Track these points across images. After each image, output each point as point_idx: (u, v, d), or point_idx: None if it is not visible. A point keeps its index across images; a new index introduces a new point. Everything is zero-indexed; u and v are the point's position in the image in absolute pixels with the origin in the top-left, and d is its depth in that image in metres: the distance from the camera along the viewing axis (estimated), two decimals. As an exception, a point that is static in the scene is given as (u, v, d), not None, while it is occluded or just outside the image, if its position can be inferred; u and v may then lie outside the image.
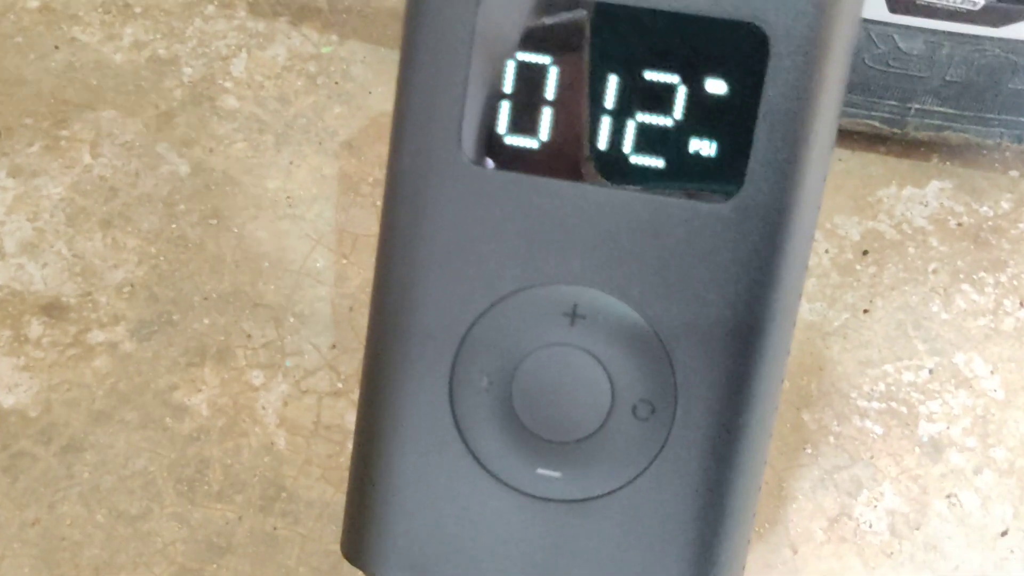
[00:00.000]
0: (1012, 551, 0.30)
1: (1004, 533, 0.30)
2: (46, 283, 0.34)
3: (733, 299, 0.21)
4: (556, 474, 0.22)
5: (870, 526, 0.30)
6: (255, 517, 0.30)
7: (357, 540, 0.24)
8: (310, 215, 0.36)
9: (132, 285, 0.34)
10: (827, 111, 0.21)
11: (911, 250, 0.35)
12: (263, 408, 0.32)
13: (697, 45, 0.21)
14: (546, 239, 0.22)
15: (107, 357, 0.33)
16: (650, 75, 0.21)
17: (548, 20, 0.22)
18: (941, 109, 0.34)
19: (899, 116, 0.35)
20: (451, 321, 0.23)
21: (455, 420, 0.23)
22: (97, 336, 0.33)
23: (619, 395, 0.22)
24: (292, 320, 0.34)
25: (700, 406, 0.22)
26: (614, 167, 0.22)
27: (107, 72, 0.40)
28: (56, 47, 0.40)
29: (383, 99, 0.40)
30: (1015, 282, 0.35)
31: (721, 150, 0.21)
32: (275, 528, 0.29)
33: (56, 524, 0.30)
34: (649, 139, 0.21)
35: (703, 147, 0.21)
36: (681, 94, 0.21)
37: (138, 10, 0.41)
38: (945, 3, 0.32)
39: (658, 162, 0.22)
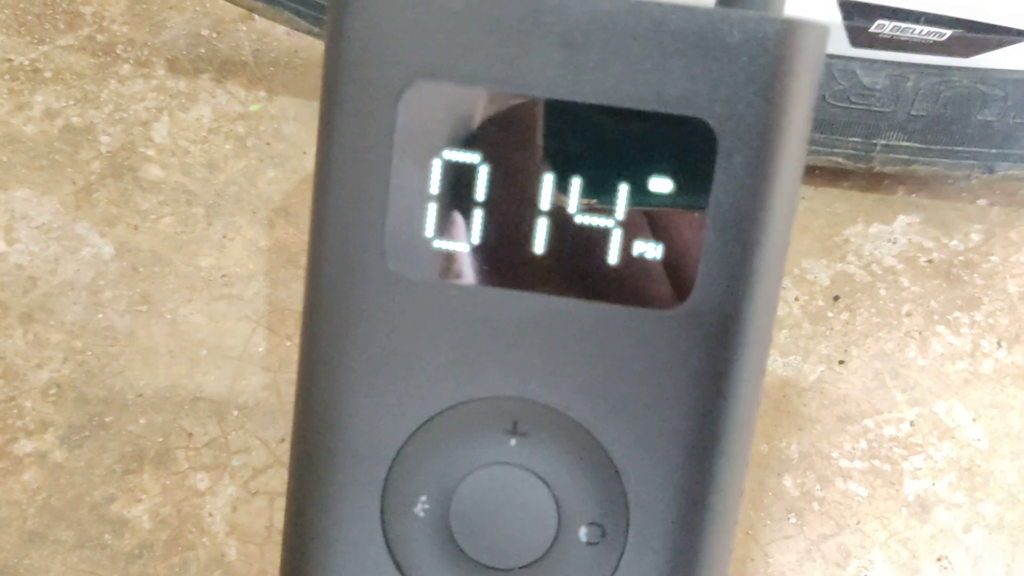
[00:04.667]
0: (1009, 613, 0.29)
1: (999, 594, 0.29)
2: (-37, 390, 0.31)
3: (686, 410, 0.19)
4: None
5: (862, 599, 0.29)
6: (208, 642, 0.27)
7: None
8: (248, 294, 0.34)
9: (59, 386, 0.32)
10: (781, 209, 0.19)
11: (882, 292, 0.34)
12: (210, 515, 0.29)
13: (639, 142, 0.19)
14: (482, 350, 0.20)
15: (37, 469, 0.30)
16: (590, 174, 0.20)
17: (477, 115, 0.20)
18: (908, 144, 0.33)
19: (864, 152, 0.33)
20: (381, 441, 0.21)
21: (388, 548, 0.21)
22: (25, 446, 0.31)
23: (566, 517, 0.20)
24: (236, 413, 0.31)
25: (654, 528, 0.20)
26: (553, 273, 0.20)
27: (18, 146, 0.37)
28: (-41, 121, 0.37)
29: (320, 157, 0.37)
30: (991, 320, 0.34)
31: (668, 253, 0.19)
32: (231, 654, 0.27)
33: (-12, 668, 0.27)
34: (589, 243, 0.20)
35: (648, 250, 0.19)
36: (623, 194, 0.19)
37: (48, 75, 0.38)
38: (910, 35, 0.30)
39: (600, 267, 0.20)
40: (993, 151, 0.33)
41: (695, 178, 0.19)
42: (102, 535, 0.29)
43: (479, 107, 0.20)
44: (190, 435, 0.31)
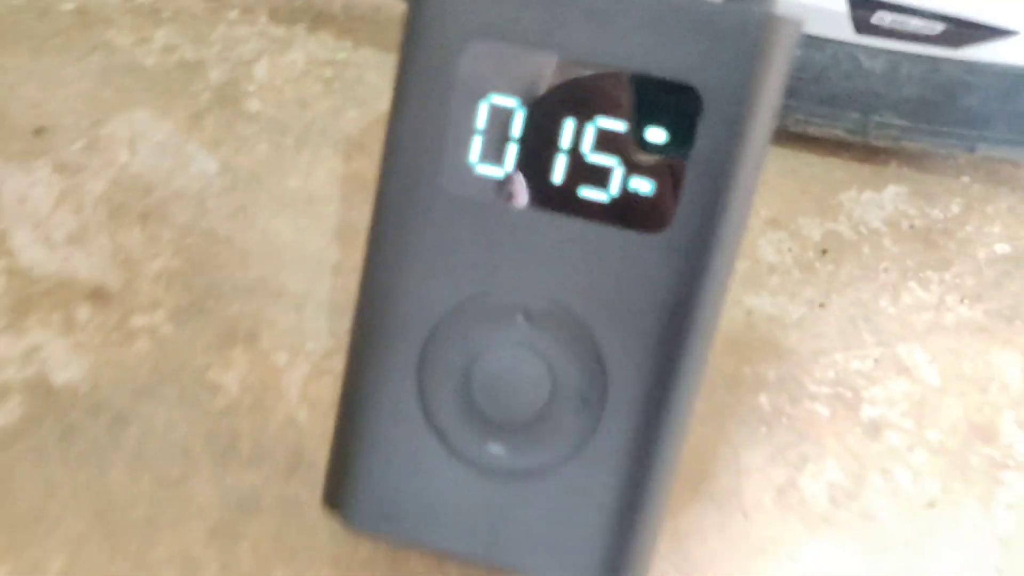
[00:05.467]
0: (937, 521, 0.34)
1: (931, 504, 0.34)
2: (91, 272, 0.38)
3: (660, 315, 0.25)
4: (502, 451, 0.27)
5: (813, 497, 0.34)
6: (280, 483, 0.34)
7: (336, 494, 0.28)
8: (327, 212, 0.40)
9: (169, 274, 0.38)
10: (750, 162, 0.25)
11: (866, 250, 0.39)
12: (287, 385, 0.36)
13: (641, 100, 0.25)
14: (506, 255, 0.26)
15: (147, 339, 0.37)
16: (600, 123, 0.25)
17: (515, 71, 0.26)
18: (899, 122, 0.38)
19: (861, 127, 0.38)
20: (421, 316, 0.27)
21: (420, 400, 0.27)
22: (138, 320, 0.38)
23: (559, 388, 0.26)
24: (312, 307, 0.38)
25: (627, 405, 0.26)
26: (566, 199, 0.26)
27: (140, 74, 0.43)
28: (93, 50, 0.44)
29: (392, 101, 0.43)
30: (958, 280, 0.39)
31: (656, 190, 0.25)
32: (297, 493, 0.34)
33: (106, 488, 0.34)
34: (596, 177, 0.25)
35: (641, 186, 0.25)
36: (625, 141, 0.25)
37: (167, 15, 0.45)
38: (906, 27, 0.35)
39: (602, 197, 0.26)
40: (974, 133, 0.38)
41: (682, 131, 0.25)
42: (199, 395, 0.36)
43: (520, 63, 0.26)
44: (274, 322, 0.37)
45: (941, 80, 0.36)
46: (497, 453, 0.27)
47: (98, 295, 0.38)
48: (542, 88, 0.25)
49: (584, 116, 0.25)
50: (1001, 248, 0.40)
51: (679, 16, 0.24)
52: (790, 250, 0.39)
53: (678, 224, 0.25)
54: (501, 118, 0.25)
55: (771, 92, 0.24)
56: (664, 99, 0.25)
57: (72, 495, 0.34)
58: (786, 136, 0.42)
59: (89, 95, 0.43)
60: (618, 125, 0.25)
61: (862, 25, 0.35)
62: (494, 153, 0.26)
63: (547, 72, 0.25)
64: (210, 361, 0.36)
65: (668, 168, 0.25)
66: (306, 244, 0.39)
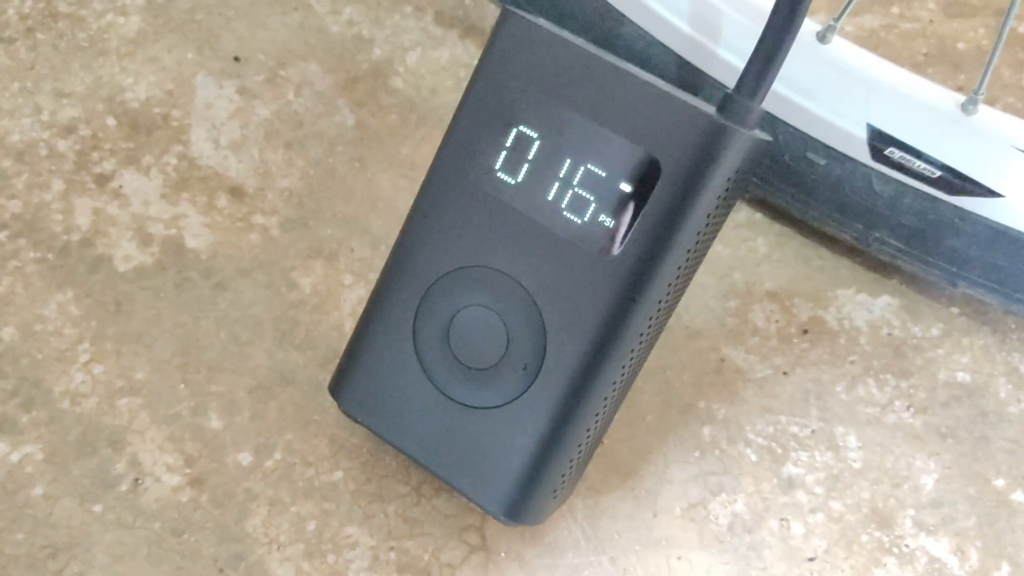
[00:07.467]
0: (812, 574, 0.40)
1: (811, 559, 0.40)
2: (238, 173, 0.50)
3: (594, 318, 0.33)
4: (461, 386, 0.35)
5: (716, 519, 0.41)
6: (314, 369, 0.44)
7: (337, 384, 0.38)
8: (420, 179, 0.49)
9: (291, 192, 0.49)
10: (691, 224, 0.32)
11: (842, 341, 0.45)
12: (344, 300, 0.46)
13: (621, 158, 0.33)
14: (496, 242, 0.35)
15: (259, 235, 0.48)
16: (588, 166, 0.33)
17: (541, 114, 0.34)
18: (894, 243, 0.43)
19: (863, 238, 0.44)
20: (429, 271, 0.36)
21: (413, 333, 0.36)
22: (258, 219, 0.48)
23: (511, 350, 0.35)
24: (384, 248, 0.48)
25: (556, 377, 0.34)
26: (551, 212, 0.34)
27: (323, 37, 0.54)
28: (295, 9, 0.55)
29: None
30: (911, 390, 0.44)
31: (614, 225, 0.33)
32: (323, 380, 0.44)
33: (194, 331, 0.45)
34: (576, 204, 0.33)
35: (605, 220, 0.33)
36: (603, 183, 0.33)
37: (359, -4, 0.56)
38: (911, 165, 0.41)
39: (577, 219, 0.34)
40: (955, 270, 0.43)
41: (643, 187, 0.33)
42: (280, 286, 0.46)
43: (545, 109, 0.34)
44: (352, 250, 0.47)
45: (935, 218, 0.42)
46: (457, 386, 0.36)
47: (236, 192, 0.49)
48: (557, 131, 0.34)
49: (579, 159, 0.33)
50: (962, 376, 0.45)
51: (664, 107, 0.32)
52: (777, 321, 0.46)
53: (625, 254, 0.33)
54: (524, 143, 0.34)
55: (717, 178, 0.32)
56: (636, 163, 0.33)
57: (169, 329, 0.45)
58: (808, 229, 0.49)
59: (282, 42, 0.54)
60: (601, 172, 0.33)
61: (876, 154, 0.41)
62: (512, 166, 0.34)
63: (563, 121, 0.33)
64: (296, 264, 0.47)
65: (627, 211, 0.33)
66: (397, 199, 0.49)
